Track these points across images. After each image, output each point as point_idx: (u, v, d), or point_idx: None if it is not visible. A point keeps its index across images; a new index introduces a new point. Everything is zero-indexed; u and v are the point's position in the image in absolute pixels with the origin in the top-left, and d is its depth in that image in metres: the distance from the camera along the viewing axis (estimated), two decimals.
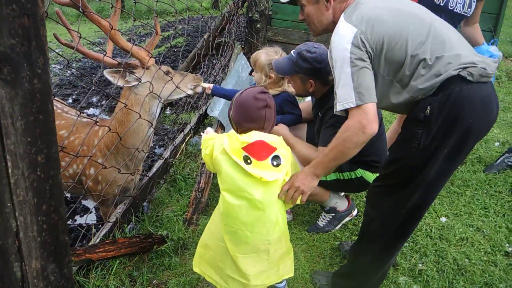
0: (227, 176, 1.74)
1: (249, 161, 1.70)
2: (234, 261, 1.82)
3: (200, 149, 1.97)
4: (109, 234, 2.43)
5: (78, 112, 2.18)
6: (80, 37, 1.91)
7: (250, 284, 1.84)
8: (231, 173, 1.73)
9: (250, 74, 5.07)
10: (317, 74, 2.46)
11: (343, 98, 1.84)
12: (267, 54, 2.84)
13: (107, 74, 2.32)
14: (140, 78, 2.41)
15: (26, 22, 1.08)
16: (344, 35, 1.84)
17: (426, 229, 2.85)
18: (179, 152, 3.64)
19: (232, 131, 1.79)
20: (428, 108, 1.79)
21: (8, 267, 1.22)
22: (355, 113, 1.84)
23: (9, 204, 1.17)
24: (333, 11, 2.03)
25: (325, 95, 2.55)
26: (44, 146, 1.23)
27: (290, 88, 2.87)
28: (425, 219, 2.95)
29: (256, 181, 1.73)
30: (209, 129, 2.20)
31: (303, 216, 3.02)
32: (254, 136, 1.73)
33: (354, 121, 1.84)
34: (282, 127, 2.66)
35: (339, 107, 1.86)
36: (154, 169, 3.10)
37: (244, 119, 1.82)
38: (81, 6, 1.92)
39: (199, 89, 2.88)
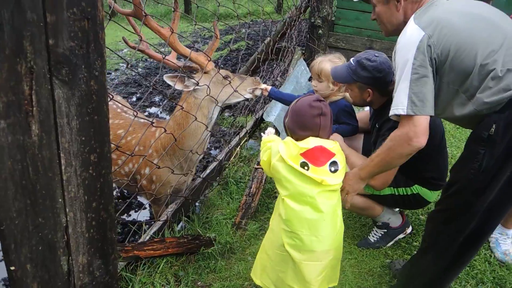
0: (287, 183, 1.75)
1: (306, 167, 1.71)
2: (298, 269, 1.79)
3: (253, 154, 1.99)
4: (158, 233, 2.48)
5: (135, 113, 2.23)
6: (141, 40, 1.97)
7: None
8: (291, 179, 1.74)
9: (309, 80, 5.02)
10: (376, 83, 2.38)
11: (396, 103, 1.77)
12: (332, 62, 2.78)
13: (166, 78, 2.38)
14: (197, 82, 2.44)
15: (86, 26, 1.12)
16: (410, 38, 1.76)
17: (485, 254, 2.66)
18: (234, 155, 3.66)
19: (289, 138, 1.80)
20: (494, 126, 1.66)
21: (55, 260, 1.27)
22: (405, 123, 1.78)
23: (60, 200, 1.21)
24: (404, 11, 1.95)
25: (383, 105, 2.45)
26: (97, 145, 1.26)
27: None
28: (484, 243, 2.76)
29: (317, 186, 1.73)
30: (270, 130, 2.21)
31: (354, 229, 2.93)
32: (312, 142, 1.74)
33: (402, 131, 1.79)
34: (336, 137, 2.60)
35: (391, 111, 1.81)
36: (208, 171, 3.14)
37: (298, 126, 1.82)
38: (143, 16, 2.01)
39: (257, 92, 2.87)
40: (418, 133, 1.76)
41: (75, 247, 1.31)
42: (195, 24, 2.80)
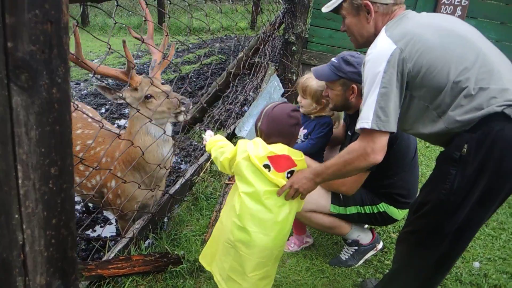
0: (247, 182, 1.82)
1: (267, 169, 1.81)
2: (241, 261, 1.87)
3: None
4: (124, 250, 2.38)
5: (102, 123, 2.14)
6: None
7: (243, 286, 1.91)
8: (251, 180, 1.81)
9: (282, 96, 5.02)
10: (361, 78, 2.36)
11: (363, 116, 1.74)
12: (317, 80, 2.73)
13: (97, 87, 2.31)
14: (121, 96, 2.33)
15: (49, 29, 1.05)
16: (381, 50, 1.73)
17: (456, 273, 2.67)
18: (203, 170, 3.58)
19: (259, 139, 1.88)
20: (465, 146, 1.65)
21: (10, 281, 1.17)
22: (364, 138, 1.75)
23: (16, 216, 1.12)
24: (375, 24, 1.90)
25: (359, 110, 2.44)
26: (59, 158, 1.18)
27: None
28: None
29: (274, 188, 1.84)
30: (209, 132, 2.24)
31: (326, 247, 2.89)
32: (280, 149, 1.84)
33: (360, 145, 1.77)
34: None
35: (357, 125, 1.78)
36: (177, 186, 3.05)
37: (275, 133, 1.89)
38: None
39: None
40: (376, 150, 1.73)
41: (32, 267, 1.21)
42: (167, 35, 2.69)
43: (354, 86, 2.34)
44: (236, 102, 4.49)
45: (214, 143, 2.05)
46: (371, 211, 2.47)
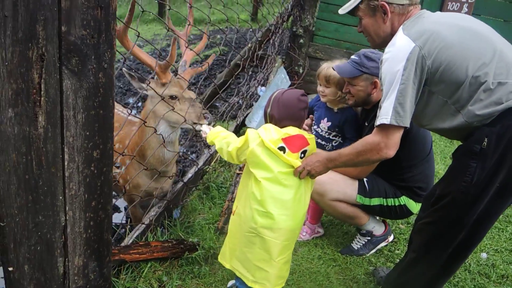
0: (265, 166, 1.86)
1: (283, 151, 1.85)
2: (267, 247, 1.91)
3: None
4: (142, 236, 2.40)
5: (128, 110, 2.16)
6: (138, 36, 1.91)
7: (270, 273, 1.95)
8: (269, 164, 1.85)
9: (289, 88, 5.04)
10: None
11: (383, 113, 1.77)
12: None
13: (125, 71, 2.26)
14: (144, 88, 2.33)
15: (99, 14, 1.07)
16: (400, 48, 1.75)
17: (465, 263, 2.71)
18: (214, 160, 3.61)
19: (270, 124, 1.91)
20: (485, 140, 1.69)
21: (52, 262, 1.20)
22: (379, 132, 1.79)
23: (61, 198, 1.14)
24: (392, 24, 1.93)
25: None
26: (101, 141, 1.21)
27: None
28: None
29: (290, 170, 1.88)
30: (205, 125, 2.30)
31: (337, 237, 2.93)
32: (292, 129, 1.88)
33: (374, 140, 1.81)
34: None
35: (377, 121, 1.80)
36: (189, 175, 3.08)
37: (286, 117, 1.92)
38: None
39: (197, 127, 2.42)
40: (389, 145, 1.78)
41: (72, 248, 1.24)
42: (168, 31, 2.69)
43: (377, 80, 2.38)
44: (246, 94, 4.50)
45: (217, 134, 2.07)
46: (393, 204, 2.51)
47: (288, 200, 1.90)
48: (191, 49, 2.55)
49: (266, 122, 2.01)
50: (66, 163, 1.13)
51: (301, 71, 5.59)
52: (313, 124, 2.86)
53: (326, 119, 2.77)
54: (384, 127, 1.77)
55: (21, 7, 0.90)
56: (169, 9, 2.65)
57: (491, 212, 1.77)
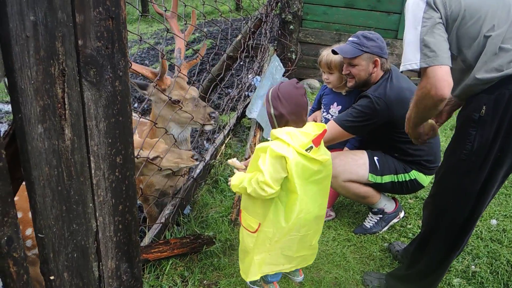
0: (302, 171, 1.81)
1: (309, 150, 1.80)
2: (306, 239, 2.01)
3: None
4: (159, 235, 2.46)
5: (140, 113, 2.20)
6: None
7: (308, 253, 2.10)
8: (306, 165, 1.81)
9: (284, 75, 5.06)
10: (382, 52, 2.49)
11: (408, 58, 1.72)
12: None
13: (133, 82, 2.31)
14: (146, 94, 2.39)
15: (111, 25, 1.10)
16: None
17: (476, 231, 2.78)
18: (219, 153, 3.65)
19: (289, 128, 1.82)
20: (484, 108, 1.70)
21: (87, 267, 1.24)
22: (423, 77, 1.72)
23: (91, 205, 1.19)
24: None
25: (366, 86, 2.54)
26: (123, 147, 1.24)
27: None
28: None
29: (318, 163, 1.85)
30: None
31: (348, 217, 2.99)
32: (315, 127, 1.85)
33: (421, 85, 1.74)
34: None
35: (401, 67, 1.77)
36: (197, 171, 3.12)
37: (295, 109, 1.88)
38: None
39: (208, 128, 2.51)
40: (436, 84, 1.66)
41: (104, 252, 1.29)
42: (193, 23, 2.67)
43: (377, 59, 2.44)
44: (243, 85, 4.52)
45: (242, 179, 1.91)
46: (404, 179, 2.57)
47: (320, 194, 1.94)
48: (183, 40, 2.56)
49: (273, 125, 1.95)
50: (93, 171, 1.17)
51: (293, 57, 5.62)
52: (322, 112, 2.91)
53: (335, 103, 2.82)
54: (423, 70, 1.71)
55: (41, 26, 0.93)
56: (153, 4, 2.65)
57: (493, 180, 1.79)
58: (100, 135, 1.15)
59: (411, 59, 1.71)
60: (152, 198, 2.72)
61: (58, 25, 0.96)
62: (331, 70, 2.74)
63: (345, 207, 3.12)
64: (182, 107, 2.38)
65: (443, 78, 1.66)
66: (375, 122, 2.42)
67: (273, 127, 1.95)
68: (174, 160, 2.18)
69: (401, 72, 1.91)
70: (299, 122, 1.89)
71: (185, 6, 2.90)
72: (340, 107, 2.80)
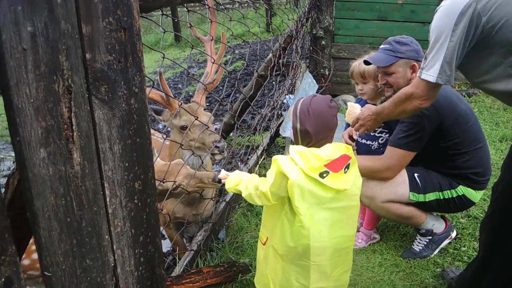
0: (311, 194, 1.63)
1: (324, 174, 1.61)
2: (322, 270, 1.75)
3: None
4: (192, 264, 2.32)
5: (164, 135, 2.11)
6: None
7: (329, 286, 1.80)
8: (314, 190, 1.62)
9: (318, 91, 4.92)
10: (418, 55, 2.32)
11: (427, 68, 1.76)
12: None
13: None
14: (159, 119, 2.40)
15: (123, 37, 0.99)
16: (455, 1, 1.64)
17: None
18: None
19: (305, 149, 1.63)
20: None
21: None
22: (419, 84, 1.81)
23: (106, 237, 1.07)
24: None
25: None
26: (141, 171, 1.13)
27: None
28: None
29: (332, 191, 1.64)
30: (222, 172, 2.03)
31: (395, 240, 2.77)
32: (333, 150, 1.64)
33: (412, 89, 1.86)
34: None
35: (418, 72, 1.81)
36: (230, 194, 2.99)
37: (323, 129, 1.70)
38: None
39: (217, 157, 2.39)
40: (429, 99, 1.83)
41: None
42: (193, 48, 2.61)
43: (415, 63, 2.27)
44: (275, 104, 4.41)
45: (237, 181, 1.82)
46: (450, 196, 2.34)
47: (341, 224, 1.71)
48: (213, 63, 2.49)
49: (297, 141, 1.76)
50: (108, 199, 1.06)
51: (327, 73, 5.48)
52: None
53: None
54: (422, 81, 1.79)
55: (40, 37, 0.83)
56: (190, 27, 2.59)
57: None
58: (115, 159, 1.04)
59: (429, 69, 1.75)
60: (174, 224, 2.60)
61: (62, 36, 0.86)
62: (365, 79, 2.58)
63: (390, 228, 2.89)
64: (186, 137, 2.30)
65: (434, 96, 1.84)
66: (429, 131, 2.24)
67: (296, 142, 1.77)
68: (196, 185, 2.05)
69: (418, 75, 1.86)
70: (322, 145, 1.70)
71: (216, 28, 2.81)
72: None
